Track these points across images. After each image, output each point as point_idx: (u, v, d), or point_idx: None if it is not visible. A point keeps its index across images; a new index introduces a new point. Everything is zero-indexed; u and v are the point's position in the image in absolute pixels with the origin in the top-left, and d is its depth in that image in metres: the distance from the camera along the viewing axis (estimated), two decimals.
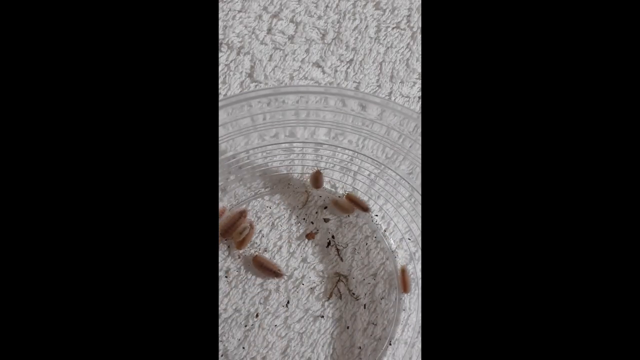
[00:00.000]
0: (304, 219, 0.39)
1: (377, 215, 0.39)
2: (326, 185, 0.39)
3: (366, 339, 0.38)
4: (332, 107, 0.32)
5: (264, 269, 0.38)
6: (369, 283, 0.39)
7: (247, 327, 0.38)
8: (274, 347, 0.38)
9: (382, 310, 0.39)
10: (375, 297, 0.39)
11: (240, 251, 0.38)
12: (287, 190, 0.39)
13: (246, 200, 0.39)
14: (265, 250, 0.39)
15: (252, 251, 0.39)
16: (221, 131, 0.33)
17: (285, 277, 0.38)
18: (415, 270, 0.38)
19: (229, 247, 0.39)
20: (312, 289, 0.38)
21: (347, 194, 0.39)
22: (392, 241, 0.39)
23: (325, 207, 0.39)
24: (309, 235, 0.39)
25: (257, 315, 0.38)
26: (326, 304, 0.38)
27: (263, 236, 0.39)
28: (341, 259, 0.39)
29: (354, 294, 0.38)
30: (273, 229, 0.39)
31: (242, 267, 0.38)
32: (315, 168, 0.38)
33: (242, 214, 0.38)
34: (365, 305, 0.38)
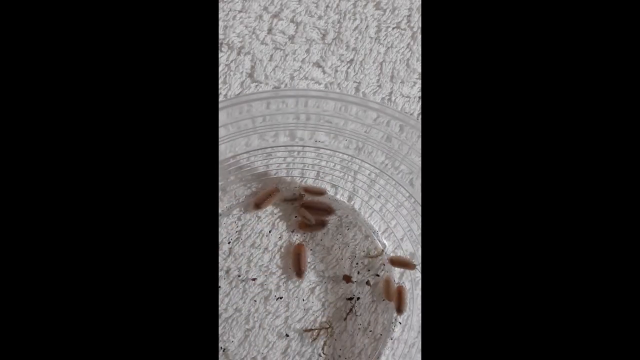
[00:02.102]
0: (357, 263, 0.39)
1: (400, 323, 0.38)
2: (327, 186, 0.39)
3: (366, 339, 0.38)
4: (345, 115, 0.32)
5: (296, 260, 0.38)
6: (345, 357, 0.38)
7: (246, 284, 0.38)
8: (274, 347, 0.38)
9: (382, 309, 0.39)
10: None
11: (297, 231, 0.38)
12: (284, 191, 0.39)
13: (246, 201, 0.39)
14: (266, 250, 0.39)
15: (300, 239, 0.39)
16: (221, 132, 0.33)
17: (302, 280, 0.38)
18: (415, 271, 0.38)
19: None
20: (312, 289, 0.38)
21: (400, 286, 0.38)
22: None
23: (378, 275, 0.39)
24: (347, 278, 0.38)
25: (254, 279, 0.38)
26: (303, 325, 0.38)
27: (264, 236, 0.39)
28: (345, 319, 0.38)
29: (323, 349, 0.38)
30: (273, 229, 0.39)
31: (282, 248, 0.38)
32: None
33: (330, 210, 0.39)
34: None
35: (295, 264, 0.38)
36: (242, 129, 0.34)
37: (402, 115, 0.32)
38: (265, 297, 0.38)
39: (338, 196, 0.39)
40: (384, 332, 0.38)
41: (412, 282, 0.38)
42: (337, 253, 0.39)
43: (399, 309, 0.37)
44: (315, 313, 0.38)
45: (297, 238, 0.39)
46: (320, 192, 0.39)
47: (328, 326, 0.38)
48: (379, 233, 0.39)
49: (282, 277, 0.39)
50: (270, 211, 0.39)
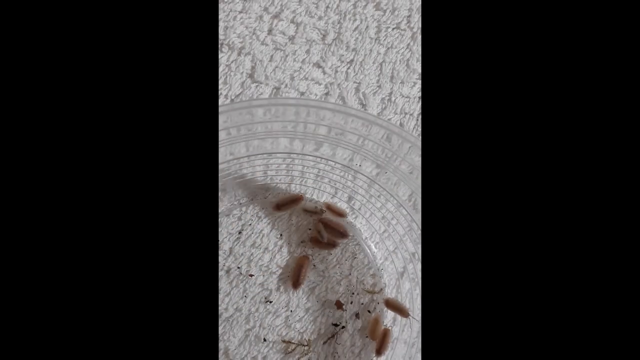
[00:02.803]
0: (352, 293, 0.38)
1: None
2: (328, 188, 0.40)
3: (367, 339, 0.38)
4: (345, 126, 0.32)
5: (297, 271, 0.38)
6: None
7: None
8: (275, 347, 0.38)
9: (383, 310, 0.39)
10: None
11: (308, 246, 0.38)
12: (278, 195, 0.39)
13: (246, 203, 0.39)
14: (266, 249, 0.39)
15: (309, 252, 0.39)
16: (221, 135, 0.33)
17: (296, 292, 0.38)
18: (415, 270, 0.38)
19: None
20: (312, 289, 0.38)
21: (386, 329, 0.37)
22: None
23: (369, 312, 0.38)
24: (339, 304, 0.38)
25: (251, 275, 0.38)
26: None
27: (264, 236, 0.39)
28: (324, 342, 0.37)
29: None
30: (274, 229, 0.39)
31: (296, 249, 0.38)
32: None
33: (344, 234, 0.38)
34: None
35: (294, 274, 0.38)
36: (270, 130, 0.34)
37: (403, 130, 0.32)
38: (266, 296, 0.38)
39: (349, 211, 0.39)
40: None
41: (412, 282, 0.38)
42: (338, 277, 0.39)
43: (379, 351, 0.37)
44: (315, 312, 0.38)
45: (303, 250, 0.39)
46: (341, 214, 0.39)
47: (306, 344, 0.38)
48: (382, 270, 0.39)
49: (282, 279, 0.39)
50: (287, 217, 0.39)
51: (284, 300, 0.38)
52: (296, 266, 0.38)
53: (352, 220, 0.39)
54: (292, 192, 0.39)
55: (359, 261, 0.39)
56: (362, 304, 0.38)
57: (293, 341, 0.38)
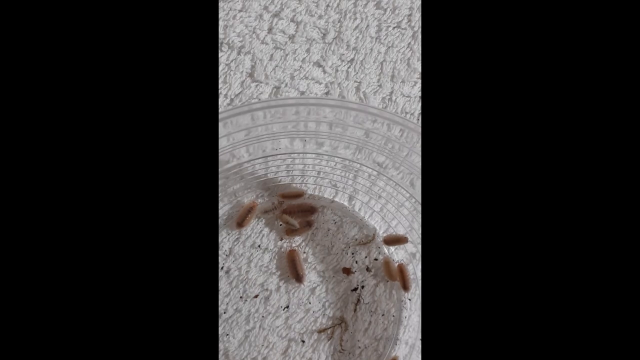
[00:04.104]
0: (353, 253, 0.39)
1: (410, 299, 0.38)
2: (329, 189, 0.39)
3: (367, 339, 0.38)
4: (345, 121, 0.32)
5: (293, 266, 0.38)
6: (364, 347, 0.38)
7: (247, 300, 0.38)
8: (275, 347, 0.38)
9: (383, 310, 0.38)
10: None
11: (281, 241, 0.39)
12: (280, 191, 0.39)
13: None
14: (266, 249, 0.39)
15: (292, 245, 0.39)
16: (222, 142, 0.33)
17: (303, 285, 0.38)
18: (415, 270, 0.38)
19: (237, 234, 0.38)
20: (312, 289, 0.38)
21: (401, 264, 0.38)
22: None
23: (376, 259, 0.39)
24: (346, 271, 0.38)
25: (256, 296, 0.38)
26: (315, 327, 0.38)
27: (264, 236, 0.39)
28: (354, 310, 0.38)
29: (342, 344, 0.38)
30: (274, 229, 0.39)
31: (275, 255, 0.38)
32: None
33: (313, 209, 0.39)
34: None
35: (292, 271, 0.38)
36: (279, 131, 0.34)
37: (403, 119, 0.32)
38: (266, 297, 0.38)
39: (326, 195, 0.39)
40: (396, 313, 0.38)
41: (412, 282, 0.38)
42: (332, 248, 0.39)
43: (405, 287, 0.38)
44: (315, 314, 0.38)
45: (288, 244, 0.39)
46: (298, 195, 0.39)
47: (341, 322, 0.38)
48: (366, 218, 0.39)
49: (282, 280, 0.39)
50: (255, 225, 0.39)
51: (297, 297, 0.38)
52: (289, 263, 0.38)
53: (312, 192, 0.39)
54: (245, 204, 0.38)
55: (342, 225, 0.39)
56: (367, 257, 0.39)
57: (327, 327, 0.38)
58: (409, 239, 0.38)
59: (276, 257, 0.38)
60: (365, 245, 0.39)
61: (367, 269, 0.39)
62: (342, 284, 0.38)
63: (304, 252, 0.39)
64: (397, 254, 0.39)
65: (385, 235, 0.39)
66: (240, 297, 0.38)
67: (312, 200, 0.39)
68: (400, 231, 0.39)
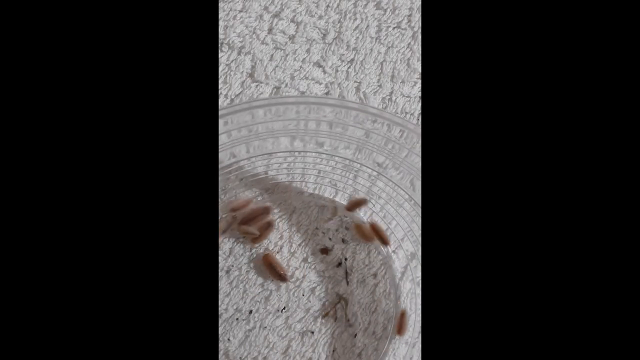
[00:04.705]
0: (324, 232, 0.39)
1: (394, 252, 0.39)
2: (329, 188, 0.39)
3: (367, 339, 0.38)
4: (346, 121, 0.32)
5: (272, 269, 0.38)
6: (367, 314, 0.38)
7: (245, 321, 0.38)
8: (275, 347, 0.38)
9: (382, 310, 0.39)
10: (371, 329, 0.38)
11: (255, 247, 0.38)
12: (284, 193, 0.39)
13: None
14: (267, 249, 0.39)
15: (262, 250, 0.38)
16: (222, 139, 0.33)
17: (291, 282, 0.38)
18: (414, 271, 0.38)
19: (236, 240, 0.38)
20: (312, 289, 0.38)
21: (372, 223, 0.38)
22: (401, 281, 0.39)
23: (347, 229, 0.39)
24: (324, 251, 0.39)
25: (250, 312, 0.38)
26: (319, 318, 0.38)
27: (235, 259, 0.39)
28: (347, 283, 0.38)
29: (349, 320, 0.38)
30: (273, 229, 0.39)
31: (250, 263, 0.38)
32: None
33: (267, 209, 0.38)
34: (355, 334, 0.38)
35: (273, 274, 0.38)
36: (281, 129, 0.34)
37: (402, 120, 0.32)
38: (266, 297, 0.38)
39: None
40: (387, 271, 0.39)
41: (413, 282, 0.38)
42: (303, 234, 0.39)
43: (384, 241, 0.38)
44: (315, 313, 0.38)
45: (259, 251, 0.39)
46: (246, 203, 0.38)
47: (339, 299, 0.38)
48: (324, 195, 0.39)
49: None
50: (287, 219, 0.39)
51: (289, 295, 0.38)
52: (266, 267, 0.38)
53: (260, 197, 0.39)
54: (257, 207, 0.38)
55: (309, 211, 0.39)
56: (337, 230, 0.39)
57: (329, 309, 0.38)
58: (368, 200, 0.38)
59: (254, 268, 0.38)
60: (331, 221, 0.39)
61: (343, 241, 0.39)
62: (325, 264, 0.39)
63: (293, 252, 0.39)
64: (397, 253, 0.39)
65: (345, 203, 0.39)
66: (237, 319, 0.38)
67: (263, 202, 0.39)
68: (400, 232, 0.39)
